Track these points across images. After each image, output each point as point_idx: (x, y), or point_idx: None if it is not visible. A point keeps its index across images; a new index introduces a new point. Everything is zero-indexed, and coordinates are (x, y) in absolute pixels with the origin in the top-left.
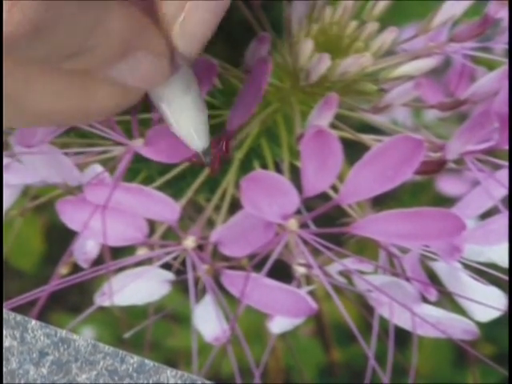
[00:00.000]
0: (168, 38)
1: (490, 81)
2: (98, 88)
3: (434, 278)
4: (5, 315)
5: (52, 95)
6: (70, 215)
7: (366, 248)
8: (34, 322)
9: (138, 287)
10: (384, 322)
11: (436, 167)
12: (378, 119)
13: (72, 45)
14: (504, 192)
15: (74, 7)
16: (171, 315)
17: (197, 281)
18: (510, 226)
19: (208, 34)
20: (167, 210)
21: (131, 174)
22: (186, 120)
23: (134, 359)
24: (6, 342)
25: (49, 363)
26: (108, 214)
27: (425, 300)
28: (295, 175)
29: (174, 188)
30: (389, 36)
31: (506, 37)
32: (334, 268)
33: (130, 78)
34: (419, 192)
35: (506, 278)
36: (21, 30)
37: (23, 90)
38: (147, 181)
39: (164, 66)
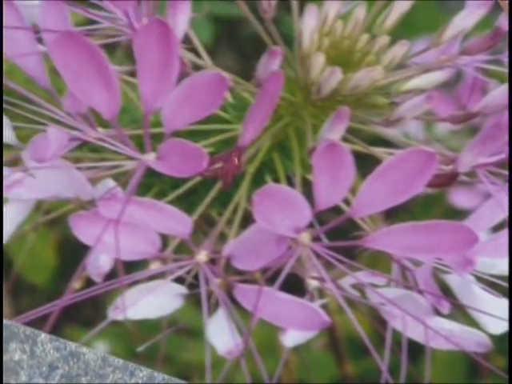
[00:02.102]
0: None
1: (501, 93)
2: None
3: (446, 291)
4: (15, 329)
5: None
6: (83, 230)
7: (379, 261)
8: (43, 335)
9: (151, 301)
10: (397, 335)
11: (448, 180)
12: (389, 132)
13: None
14: None
15: None
16: (184, 329)
17: (210, 295)
18: (510, 239)
19: None
20: (180, 224)
21: (144, 189)
22: None
23: (143, 373)
24: (16, 356)
25: (58, 377)
26: (121, 229)
27: (438, 313)
28: (307, 189)
29: (186, 202)
30: (400, 49)
31: None
32: (346, 281)
33: None
34: (431, 205)
35: None
36: None
37: None
38: (160, 195)
39: None
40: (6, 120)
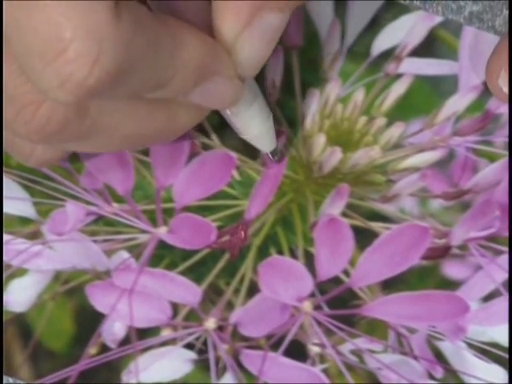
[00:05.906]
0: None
1: (491, 172)
2: (177, 110)
3: (440, 357)
4: None
5: (138, 121)
6: (99, 299)
7: (376, 328)
8: None
9: (163, 366)
10: None
11: (441, 253)
12: (386, 208)
13: (151, 81)
14: (505, 276)
15: (148, 50)
16: None
17: (217, 360)
18: (510, 307)
19: (264, 59)
20: (190, 293)
21: (156, 260)
22: (253, 127)
23: None
24: None
25: None
26: (134, 298)
27: (431, 377)
28: (309, 260)
29: (195, 273)
30: (396, 130)
31: (506, 130)
32: (346, 347)
33: (207, 101)
34: (426, 276)
35: (508, 356)
36: (101, 83)
37: (112, 120)
38: (171, 266)
39: (237, 87)
40: (27, 195)
